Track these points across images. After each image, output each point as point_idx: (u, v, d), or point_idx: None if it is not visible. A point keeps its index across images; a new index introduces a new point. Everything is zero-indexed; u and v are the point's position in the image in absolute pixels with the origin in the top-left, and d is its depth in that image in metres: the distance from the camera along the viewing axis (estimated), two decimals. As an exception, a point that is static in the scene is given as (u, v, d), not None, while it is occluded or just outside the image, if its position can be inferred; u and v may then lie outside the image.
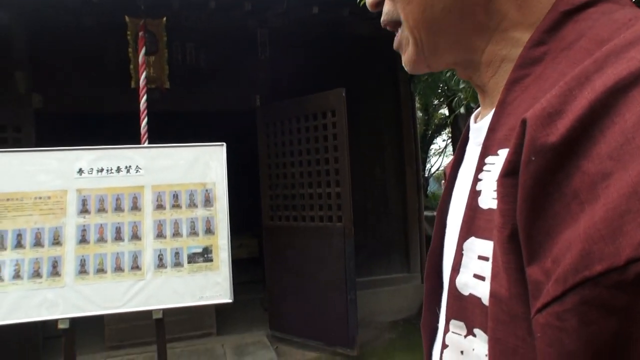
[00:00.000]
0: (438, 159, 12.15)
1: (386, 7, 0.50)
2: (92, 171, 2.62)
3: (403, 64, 0.52)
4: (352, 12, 3.95)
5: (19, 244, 2.46)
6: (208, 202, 2.72)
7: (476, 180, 0.40)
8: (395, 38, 0.51)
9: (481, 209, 0.38)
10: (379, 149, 4.98)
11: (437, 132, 9.58)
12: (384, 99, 4.99)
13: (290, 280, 4.13)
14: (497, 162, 0.37)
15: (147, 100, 3.57)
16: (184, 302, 2.56)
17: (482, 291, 0.36)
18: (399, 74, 5.02)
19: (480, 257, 0.38)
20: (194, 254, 2.64)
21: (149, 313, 2.52)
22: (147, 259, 2.57)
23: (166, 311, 2.52)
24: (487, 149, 0.39)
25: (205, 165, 2.76)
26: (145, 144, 3.30)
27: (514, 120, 0.36)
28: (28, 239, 2.48)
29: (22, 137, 3.83)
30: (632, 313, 0.22)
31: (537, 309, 0.27)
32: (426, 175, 9.17)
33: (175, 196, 2.68)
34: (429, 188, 10.51)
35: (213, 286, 2.62)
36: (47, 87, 4.03)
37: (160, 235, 2.62)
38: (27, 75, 3.95)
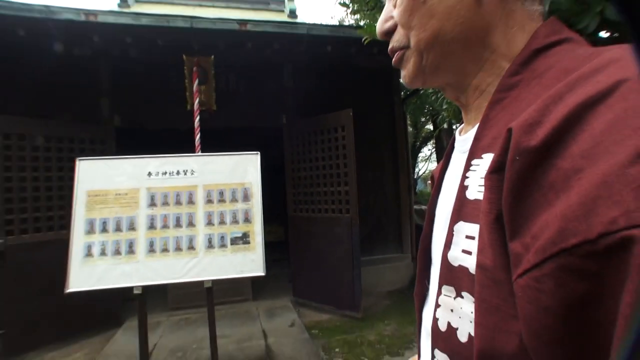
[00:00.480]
0: (424, 164, 12.08)
1: (396, 36, 0.48)
2: (158, 174, 2.68)
3: (402, 78, 0.51)
4: (358, 50, 3.96)
5: (104, 229, 2.52)
6: (246, 197, 2.74)
7: (464, 177, 0.41)
8: (396, 56, 0.49)
9: (468, 199, 0.39)
10: (379, 157, 4.97)
11: (424, 143, 9.53)
12: (382, 117, 4.97)
13: (309, 258, 4.15)
14: (482, 163, 0.38)
15: (199, 119, 3.63)
16: (227, 275, 2.59)
17: (470, 263, 0.37)
18: (394, 97, 5.01)
19: (467, 237, 0.39)
20: (236, 237, 2.67)
21: (201, 283, 2.55)
22: (200, 241, 2.61)
23: (214, 282, 2.55)
24: (473, 154, 0.40)
25: (244, 169, 2.79)
26: (199, 153, 3.34)
27: (496, 131, 0.37)
28: (111, 225, 2.54)
29: (106, 148, 3.91)
30: (601, 277, 0.23)
31: (518, 275, 0.27)
32: (415, 177, 9.11)
33: (221, 193, 2.72)
34: (417, 187, 10.47)
35: (250, 263, 2.64)
36: (125, 109, 4.12)
37: (209, 223, 2.66)
38: (109, 101, 4.05)
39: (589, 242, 0.23)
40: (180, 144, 4.51)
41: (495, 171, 0.32)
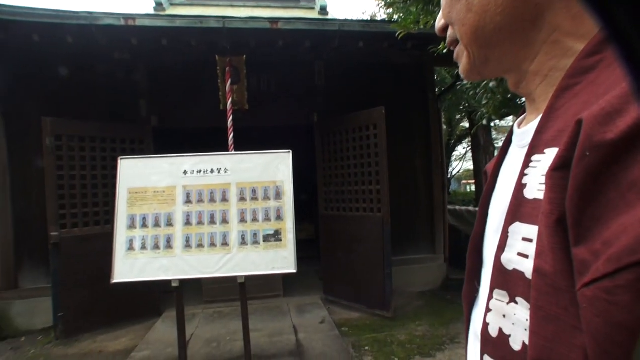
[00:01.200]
0: (459, 164, 11.70)
1: (449, 31, 0.48)
2: (193, 172, 2.76)
3: (459, 73, 0.50)
4: (391, 45, 3.88)
5: (144, 225, 2.64)
6: (278, 195, 2.77)
7: (522, 175, 0.38)
8: (455, 51, 0.49)
9: (526, 199, 0.36)
10: (411, 155, 4.86)
11: (459, 141, 9.18)
12: (416, 114, 4.84)
13: (340, 256, 4.14)
14: (544, 159, 0.35)
15: (232, 119, 3.71)
16: (260, 271, 2.64)
17: (526, 266, 0.35)
18: (429, 94, 4.86)
19: (524, 239, 0.36)
20: (268, 235, 2.71)
21: (233, 278, 2.62)
22: (233, 238, 2.67)
23: (246, 277, 2.61)
24: (534, 149, 0.37)
25: (276, 167, 2.82)
26: (232, 152, 3.42)
27: (562, 123, 0.34)
28: (150, 221, 2.65)
29: (144, 147, 4.09)
30: None
31: (584, 284, 0.25)
32: (449, 176, 8.84)
33: (254, 191, 2.76)
34: (451, 187, 10.13)
35: (282, 260, 2.68)
36: (161, 110, 4.29)
37: (242, 220, 2.71)
38: (147, 102, 4.23)
39: None
40: (213, 143, 4.63)
41: (559, 168, 0.30)
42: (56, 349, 3.44)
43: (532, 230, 0.35)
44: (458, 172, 12.07)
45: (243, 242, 2.68)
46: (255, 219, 2.73)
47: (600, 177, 0.26)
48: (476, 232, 0.50)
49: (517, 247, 0.37)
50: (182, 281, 2.56)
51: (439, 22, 0.49)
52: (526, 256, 0.35)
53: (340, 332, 3.45)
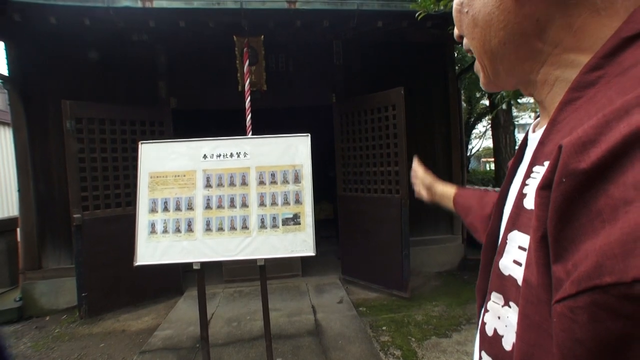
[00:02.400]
0: (478, 142, 11.43)
1: (464, 42, 0.48)
2: (213, 156, 2.71)
3: (480, 85, 0.50)
4: (410, 24, 3.69)
5: (165, 209, 2.63)
6: (297, 179, 2.72)
7: (523, 184, 0.39)
8: (474, 65, 0.49)
9: (525, 208, 0.38)
10: (430, 134, 4.73)
11: (478, 120, 8.89)
12: (435, 93, 4.69)
13: (358, 237, 4.11)
14: (542, 171, 0.35)
15: (250, 100, 3.63)
16: (279, 254, 2.61)
17: (518, 274, 0.36)
18: (448, 72, 4.68)
19: (520, 247, 0.37)
20: (287, 218, 2.67)
21: (254, 260, 2.61)
22: (253, 222, 2.64)
23: (266, 260, 2.60)
24: (536, 159, 0.38)
25: (295, 151, 2.76)
26: (250, 135, 3.36)
27: (561, 136, 0.34)
28: (171, 205, 2.63)
29: (164, 129, 4.06)
30: (637, 319, 0.22)
31: (556, 300, 0.27)
32: (468, 155, 8.65)
33: (273, 175, 2.72)
34: (470, 166, 9.94)
35: (301, 243, 2.64)
36: (180, 91, 4.23)
37: (262, 204, 2.68)
38: (166, 84, 4.17)
39: (624, 285, 0.22)
40: (231, 124, 4.59)
41: (544, 187, 0.31)
42: (80, 328, 3.54)
43: (526, 240, 0.35)
44: (478, 150, 11.80)
45: (262, 225, 2.66)
46: (274, 203, 2.70)
47: (574, 202, 0.27)
48: (492, 229, 0.50)
49: (513, 254, 0.38)
50: (203, 264, 2.56)
51: (455, 31, 0.50)
52: (520, 264, 0.37)
53: (358, 312, 3.47)
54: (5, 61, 4.02)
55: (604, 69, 0.33)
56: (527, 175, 0.39)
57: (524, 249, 0.36)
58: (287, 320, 3.31)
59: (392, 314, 3.49)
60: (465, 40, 0.49)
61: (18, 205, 4.16)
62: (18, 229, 4.24)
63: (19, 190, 4.12)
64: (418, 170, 1.18)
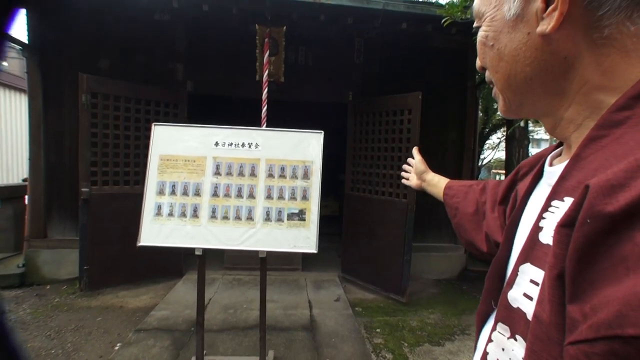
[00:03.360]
0: (491, 153, 11.30)
1: (486, 73, 0.48)
2: (224, 144, 2.69)
3: (499, 110, 0.50)
4: (435, 29, 3.61)
5: (172, 192, 2.61)
6: (306, 175, 2.69)
7: (540, 217, 0.38)
8: (493, 91, 0.48)
9: (540, 242, 0.37)
10: (443, 142, 4.66)
11: (493, 131, 8.72)
12: (453, 101, 4.61)
13: (361, 237, 4.08)
14: (562, 207, 0.35)
15: (267, 91, 3.58)
16: (281, 248, 2.58)
17: (528, 309, 0.36)
18: (468, 81, 4.58)
19: (532, 281, 0.37)
20: (292, 213, 2.65)
21: (255, 251, 2.59)
22: (258, 213, 2.62)
23: (268, 252, 2.58)
24: (555, 194, 0.37)
25: (306, 146, 2.72)
26: (264, 127, 3.32)
27: (584, 174, 0.34)
28: (179, 189, 2.61)
29: (178, 112, 4.03)
30: None
31: (570, 342, 0.26)
32: (479, 165, 8.54)
33: (282, 169, 2.69)
34: (480, 176, 9.83)
35: (304, 239, 2.63)
36: (197, 75, 4.17)
37: (269, 196, 2.65)
38: (184, 67, 4.13)
39: None
40: (245, 113, 4.55)
41: (566, 225, 0.30)
42: (79, 300, 3.56)
43: (539, 274, 0.35)
44: (489, 161, 11.67)
45: (267, 218, 2.64)
46: (281, 197, 2.68)
47: (597, 245, 0.26)
48: (500, 256, 0.49)
49: (524, 287, 0.38)
50: (205, 250, 2.55)
51: (478, 62, 0.49)
52: (530, 298, 0.36)
53: (353, 312, 3.45)
54: (25, 28, 3.98)
55: (632, 109, 0.33)
56: (545, 208, 0.38)
57: (536, 284, 0.36)
58: (282, 313, 3.30)
59: (388, 317, 3.47)
60: (487, 73, 0.47)
61: (28, 173, 4.17)
62: (26, 197, 4.26)
63: (29, 159, 4.13)
64: (416, 156, 1.19)
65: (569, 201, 0.34)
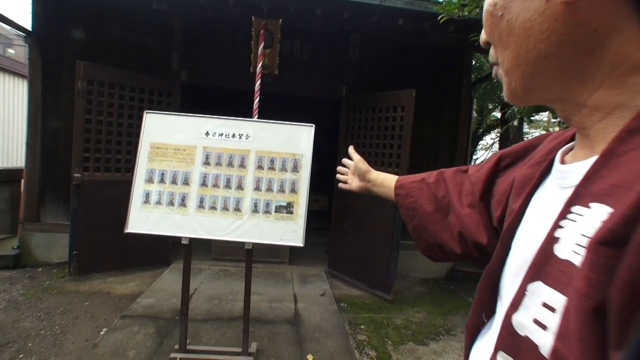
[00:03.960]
0: (484, 153, 11.27)
1: (491, 51, 0.41)
2: (215, 134, 2.66)
3: (503, 96, 0.42)
4: (432, 25, 3.56)
5: (161, 180, 2.59)
6: (295, 168, 2.66)
7: (556, 225, 0.31)
8: (493, 71, 0.42)
9: (556, 257, 0.30)
10: (435, 141, 4.62)
11: (487, 131, 8.66)
12: (447, 99, 4.58)
13: (349, 233, 4.06)
14: (587, 215, 0.28)
15: (260, 82, 3.55)
16: (268, 240, 2.56)
17: (542, 341, 0.29)
18: (463, 80, 4.54)
19: (545, 305, 0.30)
20: (280, 206, 2.63)
21: (242, 242, 2.57)
22: (246, 205, 2.60)
23: (254, 244, 2.56)
24: (578, 198, 0.30)
25: (297, 140, 2.70)
26: (255, 118, 3.29)
27: (621, 176, 0.27)
28: (168, 178, 2.60)
29: (171, 101, 4.01)
30: None
31: None
32: (471, 165, 8.48)
33: (272, 161, 2.66)
34: (472, 177, 9.79)
35: (291, 232, 2.60)
36: (192, 65, 4.14)
37: (257, 188, 2.63)
38: (179, 57, 4.10)
39: None
40: (238, 104, 4.53)
41: (607, 243, 0.23)
42: (68, 283, 3.56)
43: (557, 298, 0.29)
44: (482, 161, 11.65)
45: (255, 210, 2.62)
46: (269, 189, 2.66)
47: None
48: (493, 265, 0.44)
49: (535, 311, 0.31)
50: (191, 239, 2.53)
51: (483, 35, 0.42)
52: (544, 327, 0.30)
53: (338, 307, 3.43)
54: (30, 16, 3.99)
55: None
56: (562, 215, 0.31)
57: (551, 309, 0.29)
58: (267, 306, 3.29)
59: (373, 314, 3.45)
60: (491, 51, 0.41)
61: (25, 157, 4.16)
62: (22, 180, 4.26)
63: (27, 143, 4.13)
64: (354, 156, 1.05)
65: (597, 208, 0.28)
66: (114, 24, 4.03)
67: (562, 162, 0.40)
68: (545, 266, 0.31)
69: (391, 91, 3.69)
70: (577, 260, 0.27)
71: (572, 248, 0.29)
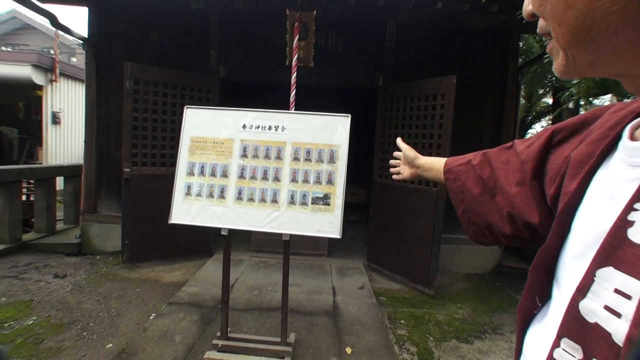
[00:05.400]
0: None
1: (540, 22, 0.37)
2: (252, 127, 2.64)
3: (553, 69, 0.38)
4: (474, 7, 3.28)
5: (201, 173, 2.62)
6: (332, 159, 2.58)
7: (629, 208, 0.29)
8: (548, 44, 0.38)
9: (630, 241, 0.28)
10: (479, 129, 4.31)
11: (537, 119, 7.94)
12: (492, 86, 4.24)
13: (388, 225, 3.91)
14: None
15: (296, 75, 3.48)
16: (305, 232, 2.50)
17: (615, 328, 0.28)
18: (510, 64, 4.18)
19: (617, 291, 0.28)
20: (317, 197, 2.56)
21: (280, 233, 2.54)
22: (283, 196, 2.56)
23: (291, 236, 2.52)
24: None
25: (333, 130, 2.61)
26: (292, 110, 3.23)
27: None
28: (207, 170, 2.62)
29: (210, 97, 4.08)
30: None
31: None
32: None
33: (308, 152, 2.60)
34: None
35: (328, 224, 2.53)
36: (229, 61, 4.19)
37: (294, 180, 2.58)
38: (217, 53, 4.16)
39: None
40: (275, 97, 4.49)
41: None
42: (122, 271, 3.75)
43: (632, 285, 0.27)
44: (531, 136, 10.83)
45: (292, 201, 2.58)
46: (306, 180, 2.60)
47: None
48: (549, 246, 0.41)
49: (606, 298, 0.30)
50: (230, 230, 2.53)
51: (527, 6, 0.38)
52: (618, 314, 0.28)
53: (377, 301, 3.31)
54: (87, 24, 4.25)
55: None
56: (637, 197, 0.29)
57: (626, 296, 0.28)
58: (306, 297, 3.24)
59: (413, 309, 3.29)
60: (541, 23, 0.36)
61: (83, 154, 4.43)
62: (82, 175, 4.55)
63: (85, 141, 4.39)
64: (402, 145, 1.06)
65: None
66: (156, 26, 4.17)
67: (632, 138, 0.36)
68: (617, 251, 0.30)
69: (430, 79, 3.48)
70: None
71: None
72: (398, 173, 1.08)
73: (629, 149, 0.36)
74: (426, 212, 3.52)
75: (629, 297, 0.28)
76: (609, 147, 0.39)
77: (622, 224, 0.30)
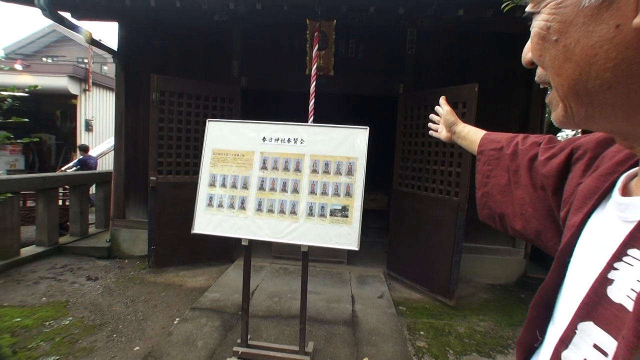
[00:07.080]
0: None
1: (539, 71, 0.38)
2: (272, 140, 2.68)
3: (552, 120, 0.38)
4: (497, 12, 3.18)
5: (222, 184, 2.69)
6: (350, 172, 2.59)
7: (610, 266, 0.30)
8: (547, 95, 0.39)
9: (609, 299, 0.29)
10: (504, 131, 4.16)
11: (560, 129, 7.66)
12: (516, 94, 4.09)
13: (408, 234, 3.87)
14: None
15: (316, 84, 3.50)
16: (323, 244, 2.54)
17: None
18: (534, 70, 4.01)
19: (595, 347, 0.29)
20: (335, 209, 2.57)
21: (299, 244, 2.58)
22: (302, 208, 2.59)
23: (310, 247, 2.54)
24: (634, 241, 0.29)
25: (351, 143, 2.62)
26: (310, 122, 3.25)
27: None
28: (228, 182, 2.68)
29: (232, 106, 4.15)
30: None
31: None
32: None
33: (327, 164, 2.61)
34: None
35: (346, 236, 2.54)
36: (251, 71, 4.26)
37: (312, 192, 2.60)
38: (239, 63, 4.24)
39: None
40: (296, 106, 4.52)
41: None
42: (148, 275, 3.90)
43: (609, 342, 0.28)
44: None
45: (310, 213, 2.61)
46: (324, 192, 2.62)
47: None
48: (548, 283, 0.42)
49: (585, 352, 0.30)
50: (251, 240, 2.58)
51: (526, 54, 0.39)
52: None
53: (397, 311, 3.28)
54: (117, 39, 4.46)
55: None
56: (617, 257, 0.30)
57: (603, 353, 0.28)
58: (325, 306, 3.25)
59: (433, 320, 3.24)
60: (539, 72, 0.37)
61: (113, 162, 4.63)
62: (112, 182, 4.75)
63: (114, 150, 4.57)
64: (444, 107, 1.08)
65: None
66: (181, 39, 4.30)
67: (624, 190, 0.37)
68: (597, 307, 0.31)
69: (451, 86, 3.40)
70: (630, 304, 0.27)
71: (626, 292, 0.28)
72: (436, 130, 1.11)
73: (620, 204, 0.36)
74: (447, 221, 3.46)
75: (605, 354, 0.28)
76: (611, 186, 0.40)
77: (603, 281, 0.31)
